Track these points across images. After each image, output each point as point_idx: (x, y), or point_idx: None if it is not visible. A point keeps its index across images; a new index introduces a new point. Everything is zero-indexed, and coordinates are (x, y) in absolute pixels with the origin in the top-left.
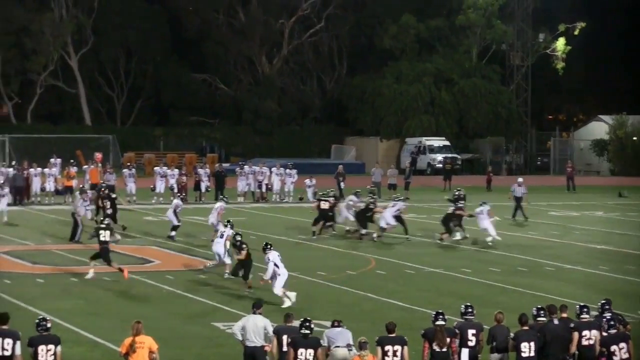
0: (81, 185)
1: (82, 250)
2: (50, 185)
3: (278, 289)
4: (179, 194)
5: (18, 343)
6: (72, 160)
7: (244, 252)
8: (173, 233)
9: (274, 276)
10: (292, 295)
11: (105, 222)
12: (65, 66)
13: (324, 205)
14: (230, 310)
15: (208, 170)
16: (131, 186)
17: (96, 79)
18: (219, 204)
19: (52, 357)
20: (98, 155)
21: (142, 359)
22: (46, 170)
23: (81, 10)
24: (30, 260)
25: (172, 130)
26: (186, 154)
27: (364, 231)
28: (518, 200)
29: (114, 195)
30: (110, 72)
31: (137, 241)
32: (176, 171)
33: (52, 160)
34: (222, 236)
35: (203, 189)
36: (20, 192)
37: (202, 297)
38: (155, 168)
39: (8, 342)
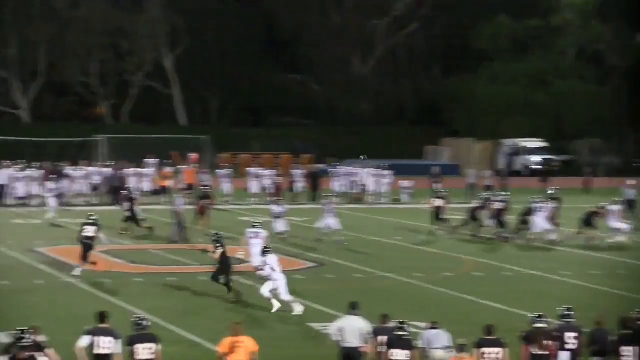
0: (179, 186)
1: (179, 250)
2: (146, 186)
3: (266, 290)
4: (273, 196)
5: (118, 342)
6: (167, 161)
7: (218, 252)
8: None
9: (267, 279)
10: (299, 308)
11: (93, 217)
12: (161, 67)
13: (438, 203)
14: (326, 311)
15: (303, 171)
16: (227, 187)
17: (191, 80)
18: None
19: (151, 356)
20: (193, 156)
21: (242, 359)
22: (142, 170)
23: (176, 12)
24: (128, 259)
25: (267, 131)
26: (281, 155)
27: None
28: (631, 203)
29: (185, 194)
30: (205, 73)
31: (233, 241)
32: (271, 172)
33: (148, 160)
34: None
35: (298, 190)
36: (117, 192)
37: (298, 297)
38: (249, 169)
39: (109, 340)
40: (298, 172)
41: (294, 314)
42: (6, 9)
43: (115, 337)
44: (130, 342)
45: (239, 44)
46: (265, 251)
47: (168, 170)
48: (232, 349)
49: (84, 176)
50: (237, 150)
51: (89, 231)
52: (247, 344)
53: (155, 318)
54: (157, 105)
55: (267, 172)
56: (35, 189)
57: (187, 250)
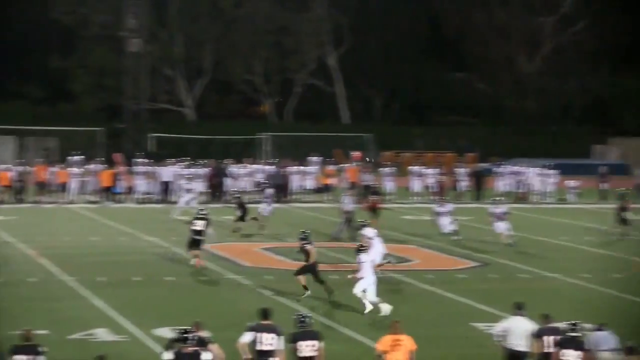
0: (342, 184)
1: (341, 248)
2: (309, 183)
3: (358, 290)
4: (437, 195)
5: (280, 338)
6: (330, 159)
7: (313, 250)
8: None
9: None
10: (387, 308)
11: (203, 212)
12: (324, 65)
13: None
14: (489, 311)
15: (467, 170)
16: (389, 185)
17: (354, 78)
18: None
19: (314, 353)
20: (356, 154)
21: (401, 358)
22: (305, 168)
23: (340, 10)
24: (291, 257)
25: (431, 130)
26: (444, 154)
27: None
28: None
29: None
30: (368, 71)
31: (396, 240)
32: (434, 171)
33: (311, 158)
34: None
35: (461, 189)
36: (280, 189)
37: (461, 296)
38: (411, 167)
39: (272, 336)
40: (462, 171)
41: (381, 314)
42: (173, 8)
43: (278, 334)
44: (293, 339)
45: (403, 41)
46: (359, 250)
47: (331, 168)
48: (391, 347)
49: (247, 174)
50: (400, 149)
51: (198, 225)
52: (406, 342)
53: (318, 315)
54: (321, 103)
55: (430, 170)
56: (199, 187)
57: (351, 249)
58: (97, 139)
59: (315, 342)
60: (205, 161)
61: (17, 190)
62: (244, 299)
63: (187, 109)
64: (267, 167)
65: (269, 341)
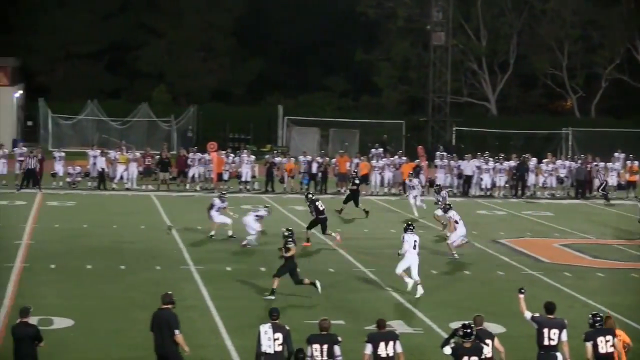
0: None
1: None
2: (612, 180)
3: (399, 269)
4: None
5: (563, 332)
6: (635, 155)
7: (292, 249)
8: None
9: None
10: (410, 282)
11: None
12: (632, 59)
13: None
14: None
15: None
16: None
17: None
18: None
19: (611, 349)
20: None
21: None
22: (609, 164)
23: None
24: (590, 254)
25: None
26: None
27: None
28: None
29: None
30: None
31: None
32: None
33: (615, 154)
34: None
35: None
36: (583, 186)
37: None
38: None
39: (554, 332)
40: None
41: (408, 289)
42: (478, 1)
43: (561, 328)
44: (588, 337)
45: None
46: (407, 228)
47: (635, 164)
48: None
49: (551, 169)
50: None
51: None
52: (622, 337)
53: (615, 314)
54: (626, 98)
55: None
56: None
57: None
58: (398, 131)
59: (610, 338)
60: (503, 155)
61: (318, 182)
62: (542, 295)
63: (489, 102)
64: (569, 163)
65: (555, 336)
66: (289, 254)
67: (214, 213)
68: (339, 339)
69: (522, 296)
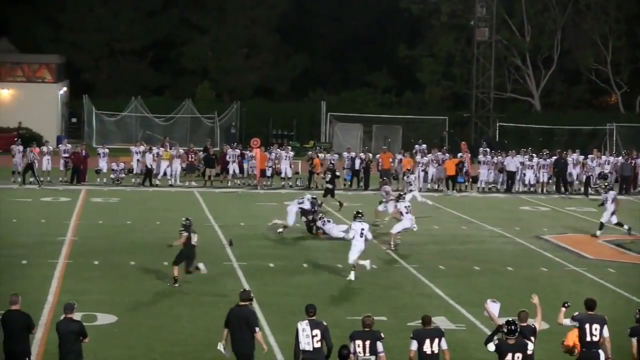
0: None
1: None
2: None
3: (351, 259)
4: None
5: (604, 327)
6: None
7: (182, 237)
8: None
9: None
10: (367, 263)
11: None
12: None
13: None
14: None
15: None
16: None
17: None
18: None
19: None
20: None
21: None
22: None
23: None
24: (634, 249)
25: None
26: None
27: None
28: None
29: None
30: None
31: None
32: None
33: None
34: None
35: None
36: (628, 181)
37: None
38: None
39: (596, 327)
40: None
41: (368, 269)
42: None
43: (602, 324)
44: (633, 333)
45: None
46: (355, 216)
47: None
48: None
49: (596, 165)
50: None
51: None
52: None
53: None
54: None
55: None
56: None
57: None
58: (442, 127)
59: None
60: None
61: (360, 178)
62: (586, 291)
63: (533, 98)
64: (613, 159)
65: (597, 332)
66: (179, 242)
67: (293, 208)
68: (382, 335)
69: (564, 309)
